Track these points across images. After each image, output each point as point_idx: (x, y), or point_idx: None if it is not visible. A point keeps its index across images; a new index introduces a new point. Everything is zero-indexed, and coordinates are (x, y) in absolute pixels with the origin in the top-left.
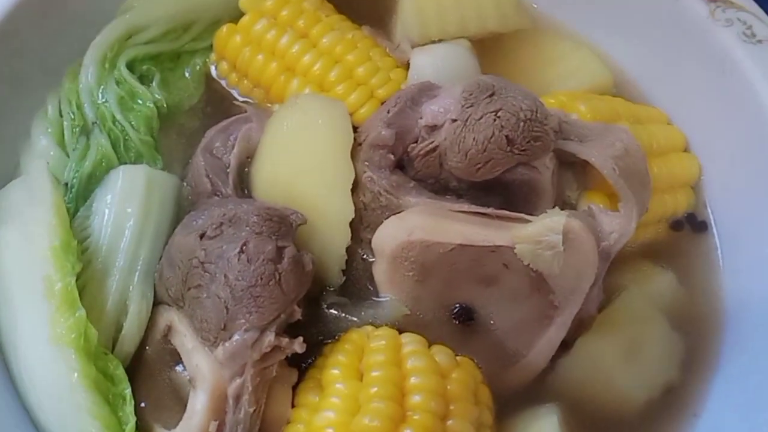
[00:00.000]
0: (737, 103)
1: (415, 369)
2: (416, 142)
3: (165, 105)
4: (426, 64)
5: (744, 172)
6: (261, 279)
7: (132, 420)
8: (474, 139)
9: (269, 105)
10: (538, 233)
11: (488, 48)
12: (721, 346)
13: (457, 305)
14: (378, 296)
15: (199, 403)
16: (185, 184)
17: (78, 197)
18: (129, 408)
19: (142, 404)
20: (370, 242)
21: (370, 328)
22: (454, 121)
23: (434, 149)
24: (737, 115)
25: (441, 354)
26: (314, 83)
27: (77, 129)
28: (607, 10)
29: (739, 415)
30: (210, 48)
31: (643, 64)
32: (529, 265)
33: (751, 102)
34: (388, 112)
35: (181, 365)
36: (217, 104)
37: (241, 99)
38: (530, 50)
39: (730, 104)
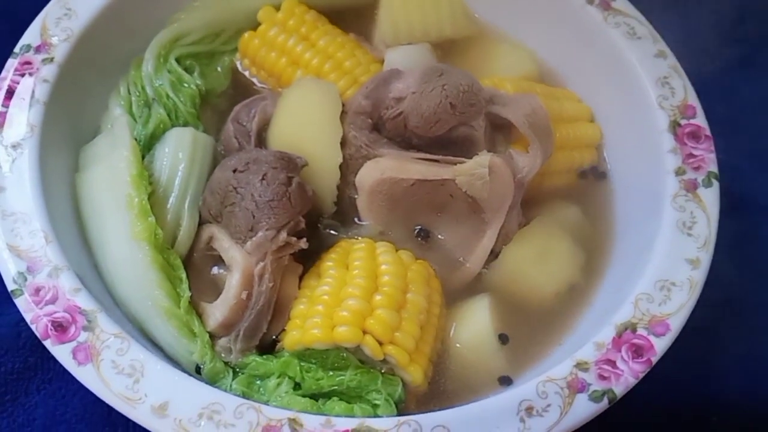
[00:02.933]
0: (625, 83)
1: (385, 260)
2: (387, 109)
3: (203, 89)
4: (396, 60)
5: (631, 136)
6: (276, 196)
7: (187, 293)
8: (428, 105)
9: (279, 89)
10: (472, 168)
11: (445, 50)
12: (611, 257)
13: (418, 227)
14: (360, 222)
15: (234, 280)
16: (219, 144)
17: (144, 148)
18: (184, 285)
19: (190, 293)
20: (354, 184)
21: (354, 239)
22: (414, 93)
23: (400, 114)
24: (625, 93)
25: (404, 254)
26: (313, 72)
27: (141, 102)
28: (533, 18)
29: (617, 299)
30: (235, 49)
31: (560, 58)
32: (466, 192)
33: (634, 82)
34: (367, 88)
35: (217, 267)
36: (241, 89)
37: (259, 85)
38: (477, 51)
39: (621, 85)
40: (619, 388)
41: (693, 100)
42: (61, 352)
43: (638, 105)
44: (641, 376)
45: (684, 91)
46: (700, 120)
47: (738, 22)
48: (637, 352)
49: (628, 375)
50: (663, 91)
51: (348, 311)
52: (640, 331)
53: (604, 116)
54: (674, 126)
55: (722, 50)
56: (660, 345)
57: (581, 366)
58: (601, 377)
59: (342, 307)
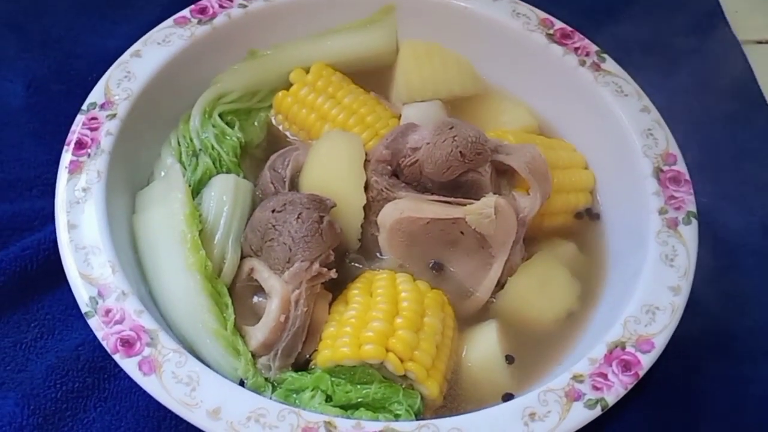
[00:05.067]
0: (614, 135)
1: (405, 288)
2: (405, 157)
3: (243, 141)
4: (412, 115)
5: (620, 180)
6: (310, 232)
7: (232, 316)
8: (440, 154)
9: (309, 141)
10: (480, 208)
11: (455, 106)
12: (603, 286)
13: (432, 261)
14: (381, 256)
15: (273, 305)
16: (257, 189)
17: (193, 193)
18: (230, 310)
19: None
20: (376, 223)
21: (376, 271)
22: (428, 144)
23: (416, 162)
24: (614, 143)
25: (421, 284)
26: (339, 126)
27: (190, 152)
28: (532, 78)
29: (606, 323)
30: (270, 106)
31: (556, 112)
32: (475, 229)
33: (622, 134)
34: (387, 140)
35: (257, 296)
36: (275, 141)
37: (291, 137)
38: (482, 107)
39: (610, 136)
40: (611, 397)
41: (674, 149)
42: (129, 365)
43: (626, 153)
44: (630, 387)
45: (666, 141)
46: (680, 166)
47: (717, 80)
48: (626, 366)
49: (618, 386)
50: (647, 141)
51: (373, 332)
52: (629, 349)
53: (596, 163)
54: (657, 172)
55: (704, 105)
56: (646, 360)
57: (577, 378)
58: (595, 388)
59: (368, 329)
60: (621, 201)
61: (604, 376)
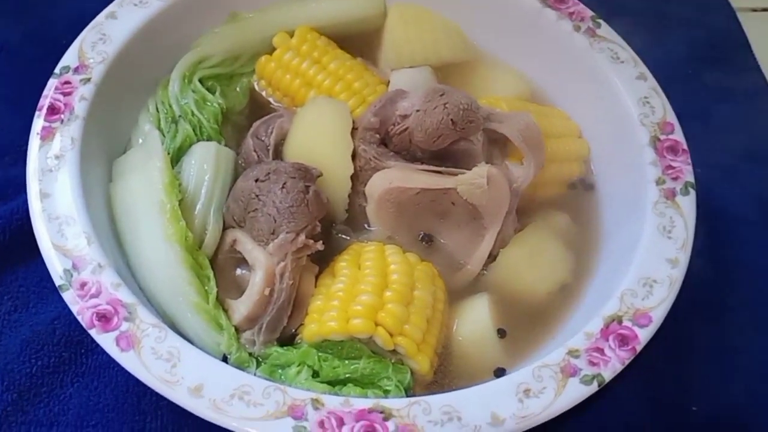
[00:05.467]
0: (610, 103)
1: (394, 261)
2: (394, 125)
3: (224, 107)
4: (401, 82)
5: (615, 150)
6: (296, 202)
7: (214, 290)
8: (431, 121)
9: (294, 107)
10: (472, 177)
11: (445, 73)
12: (598, 259)
13: (422, 232)
14: (369, 227)
15: (257, 277)
16: (239, 158)
17: (172, 161)
18: (212, 283)
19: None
20: (364, 193)
21: (364, 243)
22: (418, 111)
23: (405, 129)
24: (610, 111)
25: (411, 256)
26: (325, 92)
27: (169, 119)
28: (526, 44)
29: (604, 296)
30: (253, 71)
31: (550, 80)
32: (467, 200)
33: (618, 102)
34: (375, 106)
35: (240, 268)
36: (258, 108)
37: (275, 104)
38: (474, 74)
39: (606, 104)
40: (607, 373)
41: (671, 117)
42: (106, 340)
43: (622, 122)
44: (627, 362)
45: (663, 110)
46: (678, 135)
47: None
48: (623, 341)
49: (615, 361)
50: (644, 109)
51: (361, 305)
52: (626, 323)
53: (591, 133)
54: (654, 141)
55: (699, 74)
56: (643, 335)
57: (573, 353)
58: (591, 363)
59: (356, 302)
60: (616, 171)
61: (601, 351)
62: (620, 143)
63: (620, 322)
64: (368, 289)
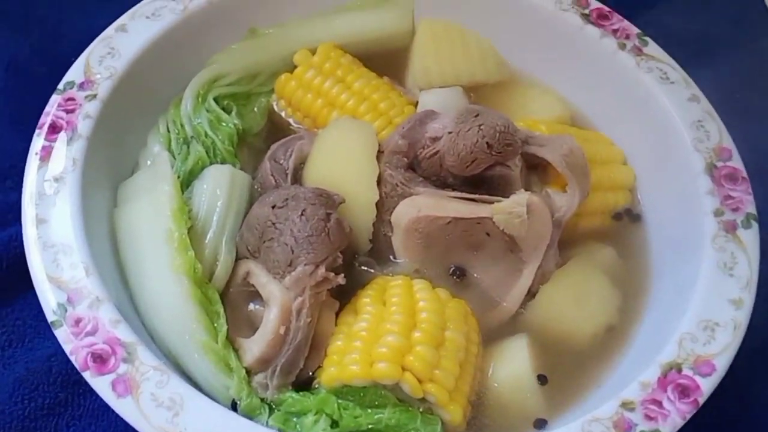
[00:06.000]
0: (659, 127)
1: (423, 297)
2: (423, 148)
3: (240, 128)
4: (431, 102)
5: (665, 178)
6: (315, 231)
7: (224, 327)
8: (464, 144)
9: (315, 129)
10: (510, 206)
11: (477, 94)
12: (648, 298)
13: (453, 266)
14: (395, 260)
15: (272, 314)
16: (255, 182)
17: (183, 185)
18: (222, 320)
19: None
20: (389, 222)
21: (390, 276)
22: (450, 133)
23: (436, 153)
24: (659, 136)
25: (441, 291)
26: (349, 113)
27: (180, 140)
28: (564, 64)
29: (658, 340)
30: (272, 90)
31: (591, 102)
32: (504, 231)
33: (668, 126)
34: (403, 128)
35: (253, 303)
36: (277, 130)
37: (294, 125)
38: (508, 95)
39: (654, 128)
40: (666, 429)
41: (728, 143)
42: (101, 384)
43: (673, 148)
44: (688, 416)
45: (719, 134)
46: (736, 162)
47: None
48: (684, 392)
49: (675, 415)
50: (698, 134)
51: (387, 347)
52: (686, 371)
53: (637, 159)
54: (711, 168)
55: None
56: (706, 385)
57: (627, 406)
58: (648, 417)
59: (380, 344)
60: (666, 201)
61: (659, 403)
62: (671, 171)
63: (679, 370)
64: (394, 329)
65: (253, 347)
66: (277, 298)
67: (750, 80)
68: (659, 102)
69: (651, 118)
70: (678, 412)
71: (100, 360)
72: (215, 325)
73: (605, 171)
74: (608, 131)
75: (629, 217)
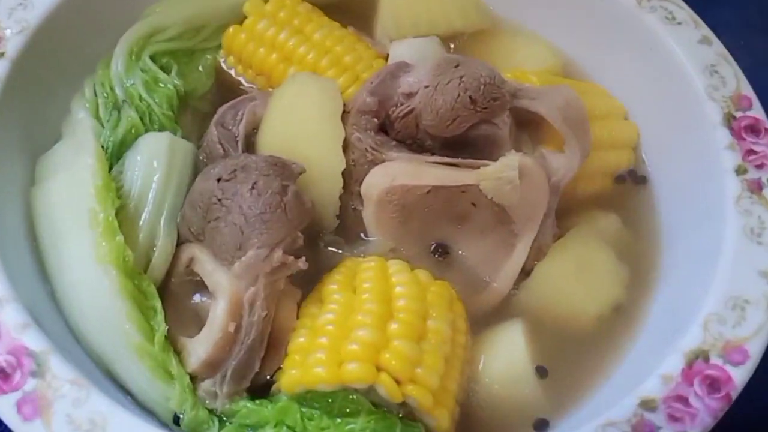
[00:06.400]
0: (664, 74)
1: (400, 281)
2: (396, 107)
3: (182, 90)
4: (403, 54)
5: (674, 133)
6: (269, 207)
7: (162, 326)
8: (443, 100)
9: (270, 88)
10: (499, 170)
11: (456, 45)
12: (660, 270)
13: (434, 242)
14: (367, 237)
15: (219, 309)
16: (200, 152)
17: (112, 157)
18: (159, 317)
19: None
20: (359, 193)
21: (361, 257)
22: (427, 87)
23: (411, 111)
24: (665, 85)
25: (421, 273)
26: (309, 69)
27: (110, 104)
28: (552, 8)
29: (675, 322)
30: (218, 47)
31: (585, 50)
32: (492, 200)
33: (676, 72)
34: (372, 83)
35: (199, 294)
36: (226, 91)
37: (246, 85)
38: (491, 45)
39: (659, 76)
40: (696, 431)
41: (747, 90)
42: (3, 406)
43: (682, 98)
44: (720, 415)
45: (736, 80)
46: (757, 112)
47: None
48: (713, 385)
49: (704, 414)
50: (712, 80)
51: (358, 344)
52: (714, 360)
53: (640, 113)
54: (728, 119)
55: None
56: (739, 376)
57: (647, 405)
58: (673, 418)
59: (350, 339)
60: (676, 159)
61: (684, 400)
62: (681, 124)
63: (706, 359)
64: (367, 321)
65: (198, 349)
66: (225, 289)
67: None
68: (665, 46)
69: (656, 64)
70: (708, 410)
71: (2, 375)
72: (151, 323)
73: (604, 127)
74: (606, 82)
75: (633, 179)
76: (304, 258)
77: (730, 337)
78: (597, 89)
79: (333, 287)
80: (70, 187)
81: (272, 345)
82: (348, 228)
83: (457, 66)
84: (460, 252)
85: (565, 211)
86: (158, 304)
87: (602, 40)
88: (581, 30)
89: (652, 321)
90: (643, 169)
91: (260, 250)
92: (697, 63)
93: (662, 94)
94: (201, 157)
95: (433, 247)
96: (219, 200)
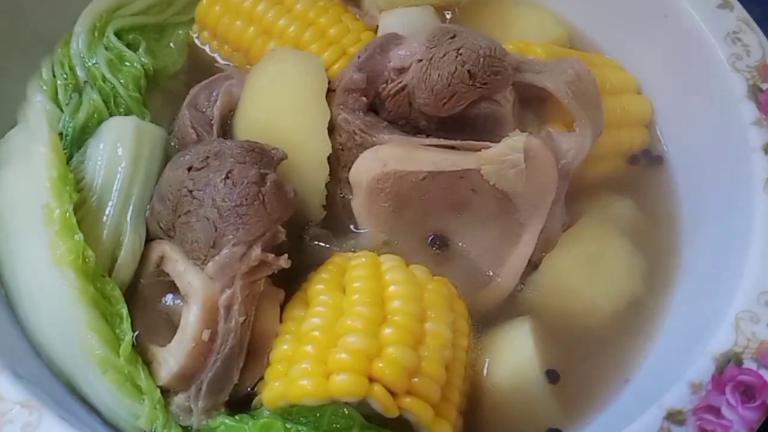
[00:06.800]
0: (680, 43)
1: (394, 279)
2: (386, 83)
3: (151, 69)
4: (394, 24)
5: (693, 107)
6: (246, 199)
7: (129, 334)
8: (439, 75)
9: (248, 66)
10: (502, 153)
11: (452, 15)
12: (680, 259)
13: (432, 234)
14: (357, 229)
15: (192, 315)
16: (172, 137)
17: (72, 145)
18: (126, 325)
19: (137, 331)
20: (347, 180)
21: (351, 252)
22: (420, 61)
23: (403, 88)
24: (682, 55)
25: (418, 270)
26: (290, 43)
27: (70, 86)
28: None
29: (701, 319)
30: (192, 21)
31: (592, 19)
32: (495, 186)
33: (693, 41)
34: (359, 58)
35: (172, 295)
36: (200, 69)
37: (222, 62)
38: (490, 15)
39: (675, 45)
40: None
41: None
42: None
43: (701, 69)
44: (756, 427)
45: (761, 49)
46: None
47: None
48: (747, 393)
49: (738, 426)
50: (734, 49)
51: (347, 352)
52: (748, 364)
53: (653, 86)
54: (754, 91)
55: None
56: None
57: (674, 417)
58: (704, 431)
59: (339, 347)
60: (695, 137)
61: (716, 411)
62: (700, 98)
63: (739, 362)
64: (357, 326)
65: (170, 359)
66: (198, 293)
67: None
68: (681, 11)
69: (670, 32)
70: (742, 421)
71: None
72: (117, 332)
73: (616, 103)
74: (615, 53)
75: (648, 159)
76: (286, 255)
77: (765, 337)
78: (606, 61)
79: (319, 287)
80: (22, 180)
81: (253, 353)
82: (336, 219)
83: (453, 37)
84: (459, 244)
85: (574, 196)
86: (124, 310)
87: (611, 7)
88: None
89: (673, 318)
90: (658, 148)
91: (236, 248)
92: (717, 30)
93: (678, 65)
94: (172, 143)
95: (430, 238)
96: (190, 192)
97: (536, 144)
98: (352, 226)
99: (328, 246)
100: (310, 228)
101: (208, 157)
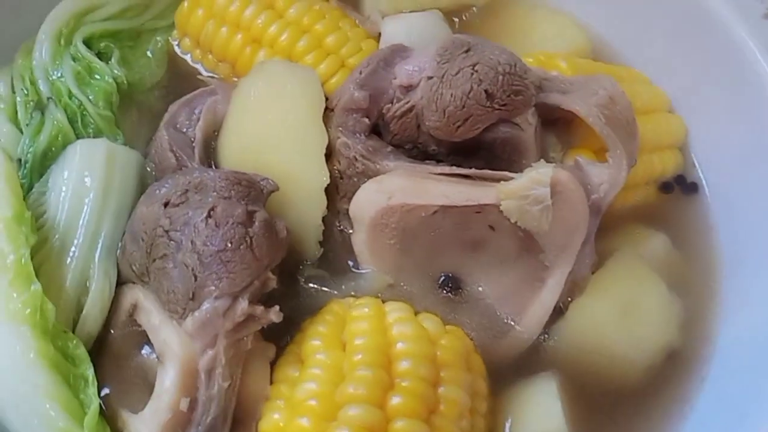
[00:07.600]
0: (718, 56)
1: (402, 335)
2: (391, 103)
3: (125, 82)
4: (398, 32)
5: (733, 129)
6: (231, 243)
7: (95, 401)
8: (452, 95)
9: (235, 79)
10: (525, 187)
11: (462, 21)
12: (722, 305)
13: (443, 274)
14: (359, 269)
15: (168, 380)
16: (148, 161)
17: (32, 173)
18: (92, 390)
19: (107, 390)
20: (347, 213)
21: (351, 298)
22: (430, 78)
23: (410, 109)
24: (720, 69)
25: (428, 321)
26: (282, 54)
27: (31, 104)
28: None
29: (749, 375)
30: (172, 26)
31: (617, 28)
32: (516, 223)
33: (733, 54)
34: (360, 73)
35: (148, 347)
36: (181, 82)
37: (205, 74)
38: (504, 20)
39: (713, 58)
40: None
41: None
42: None
43: (742, 85)
44: None
45: None
46: None
47: None
48: None
49: None
50: None
51: (350, 429)
52: None
53: (686, 105)
54: None
55: None
56: None
57: None
58: None
59: (340, 421)
60: (734, 162)
61: None
62: (740, 118)
63: None
64: (360, 395)
65: (143, 430)
66: (174, 354)
67: None
68: (719, 20)
69: (708, 44)
70: None
71: None
72: (81, 397)
73: (647, 123)
74: (643, 67)
75: (682, 186)
76: (277, 307)
77: None
78: (635, 75)
79: (316, 343)
80: None
81: (239, 421)
82: (334, 257)
83: (467, 51)
84: (474, 287)
85: (601, 230)
86: (90, 372)
87: (639, 15)
88: (611, 3)
89: (715, 372)
90: (693, 174)
91: (219, 302)
92: (762, 42)
93: (716, 80)
94: (148, 168)
95: (441, 280)
96: (166, 232)
97: (565, 177)
98: (351, 264)
99: (325, 289)
100: (304, 268)
101: (187, 191)
